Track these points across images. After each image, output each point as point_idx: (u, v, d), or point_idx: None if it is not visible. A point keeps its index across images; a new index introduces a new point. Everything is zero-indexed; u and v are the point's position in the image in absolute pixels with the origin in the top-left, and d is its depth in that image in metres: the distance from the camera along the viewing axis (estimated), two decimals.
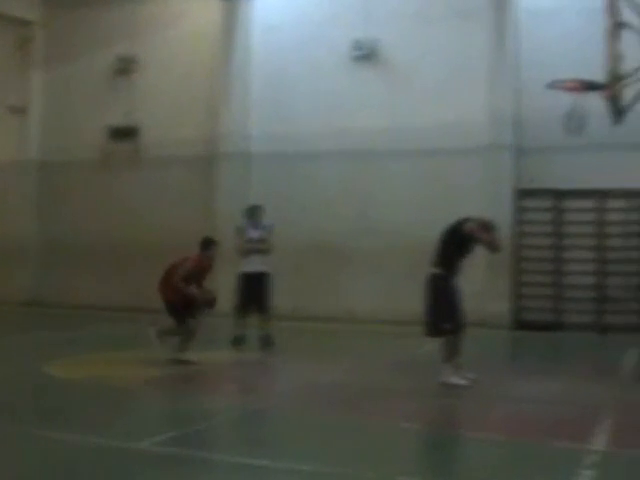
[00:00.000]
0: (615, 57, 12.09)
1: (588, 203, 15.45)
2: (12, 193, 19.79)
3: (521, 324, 15.50)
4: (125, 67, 18.83)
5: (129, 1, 18.92)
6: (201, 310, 10.66)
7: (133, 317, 16.92)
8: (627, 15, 12.31)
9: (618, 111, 12.36)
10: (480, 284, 14.69)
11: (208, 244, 10.83)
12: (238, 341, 11.92)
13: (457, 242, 9.14)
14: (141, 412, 8.21)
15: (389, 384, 9.36)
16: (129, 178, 18.73)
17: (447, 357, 9.07)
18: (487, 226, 9.22)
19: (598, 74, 12.26)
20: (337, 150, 16.83)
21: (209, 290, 10.83)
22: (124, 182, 18.79)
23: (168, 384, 9.59)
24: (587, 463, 5.86)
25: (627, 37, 12.12)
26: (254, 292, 11.98)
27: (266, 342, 11.94)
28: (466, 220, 9.19)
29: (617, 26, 12.19)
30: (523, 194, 15.79)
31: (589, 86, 12.64)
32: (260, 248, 12.04)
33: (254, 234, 12.08)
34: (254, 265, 12.00)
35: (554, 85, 13.28)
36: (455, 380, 8.94)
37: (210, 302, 10.70)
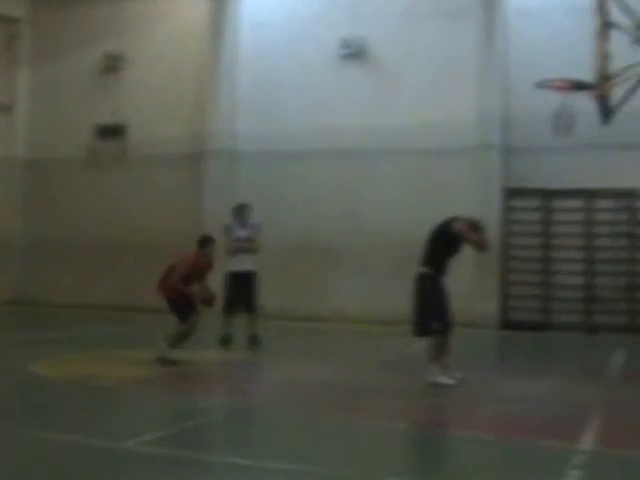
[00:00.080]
0: (604, 57, 12.13)
1: (577, 203, 15.48)
2: None
3: (509, 324, 15.49)
4: (113, 65, 18.75)
5: None
6: (200, 308, 10.61)
7: (120, 316, 16.89)
8: (616, 15, 12.37)
9: (607, 111, 12.40)
10: (468, 284, 14.70)
11: (205, 242, 10.80)
12: (225, 340, 11.87)
13: (445, 241, 9.11)
14: (127, 411, 8.17)
15: (377, 384, 9.34)
16: (116, 176, 18.64)
17: (435, 357, 9.05)
18: (475, 226, 9.20)
19: (587, 74, 12.30)
20: (325, 148, 16.79)
21: (209, 288, 10.78)
22: (111, 180, 18.71)
23: (155, 384, 9.52)
24: (575, 463, 5.84)
25: (616, 37, 12.18)
26: (241, 291, 11.95)
27: (253, 341, 11.91)
28: (454, 219, 9.17)
29: (606, 26, 12.25)
30: (511, 194, 15.79)
31: (578, 86, 12.67)
32: (248, 247, 12.00)
33: (242, 233, 12.03)
34: (242, 264, 11.96)
35: (543, 84, 13.29)
36: (443, 380, 8.92)
37: (209, 300, 10.67)
